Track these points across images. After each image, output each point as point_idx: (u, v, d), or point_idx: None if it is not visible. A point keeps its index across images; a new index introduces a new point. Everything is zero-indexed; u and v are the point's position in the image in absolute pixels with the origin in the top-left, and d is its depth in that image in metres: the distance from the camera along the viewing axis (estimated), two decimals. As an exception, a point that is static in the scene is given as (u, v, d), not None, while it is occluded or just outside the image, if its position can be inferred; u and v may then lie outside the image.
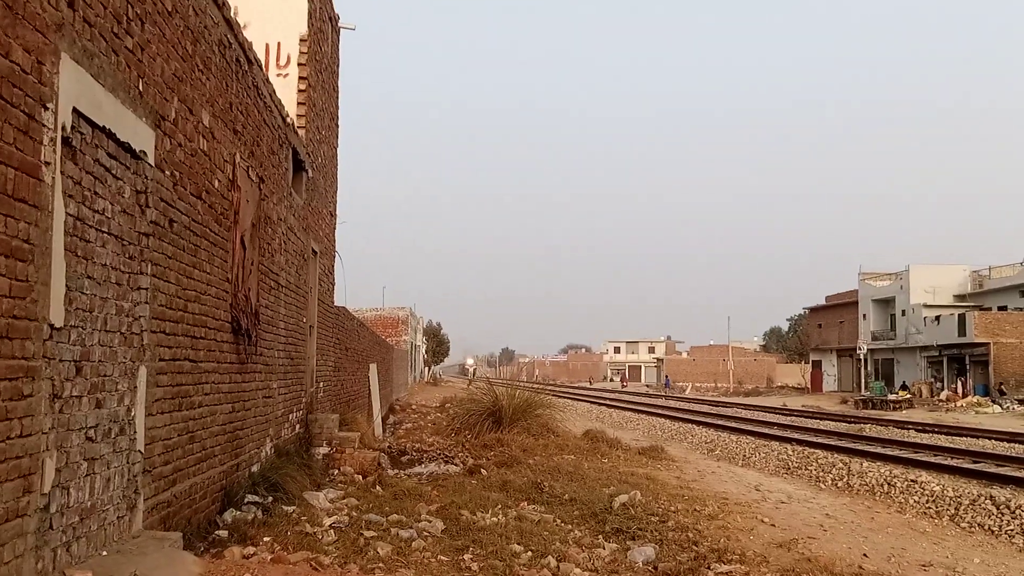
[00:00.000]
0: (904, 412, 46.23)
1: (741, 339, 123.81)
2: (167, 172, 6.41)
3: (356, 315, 25.27)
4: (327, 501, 9.45)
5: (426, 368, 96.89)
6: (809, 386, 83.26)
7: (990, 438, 27.86)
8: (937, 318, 63.50)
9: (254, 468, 9.60)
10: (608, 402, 51.82)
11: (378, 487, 10.89)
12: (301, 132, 13.51)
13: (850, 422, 35.67)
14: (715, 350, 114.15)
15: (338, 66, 18.96)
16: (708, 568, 7.74)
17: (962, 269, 69.28)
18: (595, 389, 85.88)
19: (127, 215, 5.71)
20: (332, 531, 7.93)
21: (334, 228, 17.78)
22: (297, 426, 12.60)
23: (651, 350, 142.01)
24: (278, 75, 14.24)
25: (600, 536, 8.95)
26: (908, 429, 31.92)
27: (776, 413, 42.81)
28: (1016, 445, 25.45)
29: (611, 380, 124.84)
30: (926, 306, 65.44)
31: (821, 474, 18.02)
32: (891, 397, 53.33)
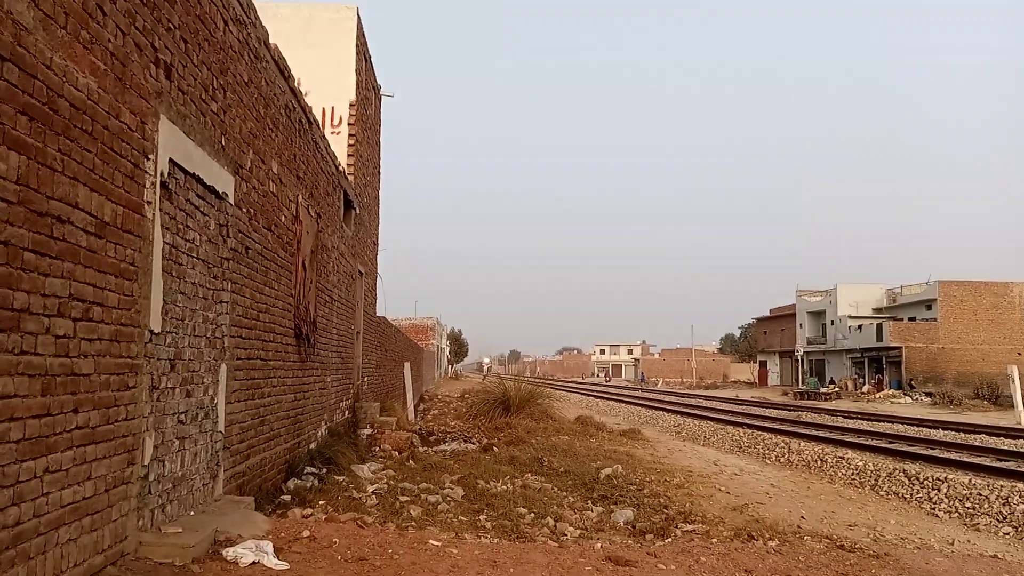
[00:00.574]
0: (833, 403, 45.95)
1: (702, 343, 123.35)
2: (244, 209, 6.44)
3: (393, 323, 25.25)
4: (370, 472, 9.43)
5: (449, 366, 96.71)
6: (757, 381, 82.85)
7: (902, 423, 27.66)
8: (860, 327, 63.23)
9: (312, 446, 9.59)
10: (595, 394, 51.61)
11: (411, 461, 10.86)
12: (351, 178, 13.56)
13: (790, 410, 35.46)
14: (681, 352, 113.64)
15: (380, 125, 19.06)
16: (676, 527, 7.68)
17: (879, 287, 69.00)
18: (585, 384, 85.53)
19: (212, 243, 5.74)
20: (374, 496, 7.90)
21: (376, 254, 17.81)
22: (346, 412, 12.58)
23: (630, 351, 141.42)
24: (332, 132, 14.32)
25: (589, 501, 8.89)
26: (837, 416, 31.71)
27: (730, 403, 42.61)
28: (923, 428, 25.28)
29: (597, 376, 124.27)
30: (851, 317, 65.18)
31: (767, 452, 17.89)
32: (823, 390, 53.05)
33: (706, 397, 50.57)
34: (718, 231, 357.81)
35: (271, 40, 7.35)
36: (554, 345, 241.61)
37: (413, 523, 6.84)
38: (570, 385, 72.41)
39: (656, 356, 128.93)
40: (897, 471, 13.60)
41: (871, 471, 14.02)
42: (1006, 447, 18.93)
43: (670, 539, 7.16)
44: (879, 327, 60.49)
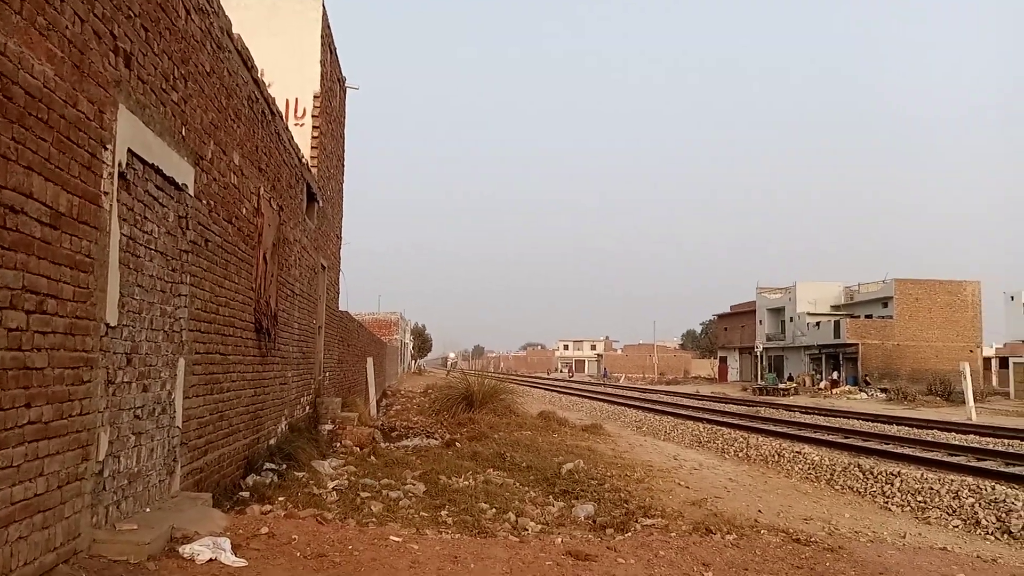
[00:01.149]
0: (791, 398, 46.71)
1: (664, 339, 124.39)
2: (204, 201, 6.35)
3: (356, 318, 25.08)
4: (331, 468, 9.37)
5: (412, 361, 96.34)
6: (717, 376, 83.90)
7: (858, 418, 28.23)
8: (818, 324, 64.34)
9: (271, 441, 9.50)
10: (558, 389, 51.84)
11: (372, 457, 10.81)
12: (314, 171, 13.43)
13: (749, 406, 35.99)
14: (643, 347, 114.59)
15: (344, 117, 18.89)
16: (636, 521, 7.77)
17: (837, 285, 70.27)
18: (549, 379, 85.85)
19: (171, 236, 5.65)
20: (335, 492, 7.86)
21: (340, 247, 17.67)
22: (307, 407, 12.47)
23: (593, 347, 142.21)
24: (296, 124, 14.17)
25: (551, 496, 8.94)
26: (794, 412, 32.24)
27: (691, 398, 43.10)
28: (878, 424, 25.81)
29: (561, 371, 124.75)
30: (809, 314, 66.30)
31: (726, 447, 18.14)
32: (781, 386, 53.88)
33: (667, 392, 51.08)
34: (681, 227, 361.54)
35: (234, 30, 7.24)
36: (518, 341, 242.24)
37: (374, 519, 6.82)
38: (534, 380, 72.60)
39: (619, 352, 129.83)
40: (852, 466, 13.89)
41: (827, 466, 14.30)
42: (957, 442, 19.43)
43: (630, 533, 7.23)
44: (837, 324, 61.64)
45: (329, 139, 15.88)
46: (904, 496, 11.72)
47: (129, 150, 4.74)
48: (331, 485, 8.19)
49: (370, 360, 21.35)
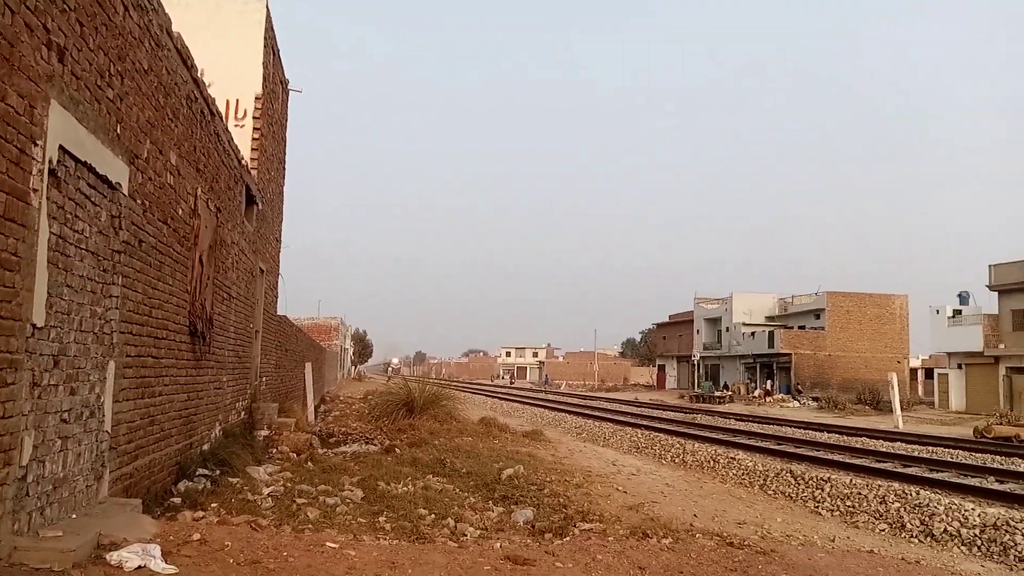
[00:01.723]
0: (727, 406, 47.65)
1: (604, 347, 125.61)
2: (138, 201, 6.20)
3: (295, 323, 24.70)
4: (266, 474, 9.20)
5: (353, 367, 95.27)
6: (656, 384, 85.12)
7: (791, 426, 28.98)
8: (753, 334, 65.83)
9: (205, 447, 9.29)
10: (500, 396, 51.90)
11: (309, 463, 10.66)
12: (254, 172, 13.21)
13: (686, 413, 36.60)
14: (584, 355, 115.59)
15: (287, 120, 18.65)
16: (575, 526, 7.82)
17: (772, 296, 72.05)
18: (491, 386, 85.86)
19: (103, 235, 5.50)
20: (270, 499, 7.72)
21: (279, 251, 17.41)
22: (243, 412, 12.24)
23: (535, 354, 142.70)
24: (236, 125, 13.94)
25: (490, 502, 8.95)
26: (730, 419, 32.92)
27: (630, 405, 43.62)
28: (809, 431, 26.54)
29: (503, 378, 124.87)
30: (744, 324, 67.81)
31: (663, 452, 18.42)
32: (717, 394, 54.93)
33: (607, 399, 51.60)
34: (622, 237, 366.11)
35: (174, 28, 7.10)
36: (460, 347, 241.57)
37: (310, 525, 6.73)
38: (476, 387, 72.52)
39: (560, 359, 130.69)
40: (784, 471, 14.24)
41: (760, 471, 14.63)
42: (884, 449, 20.11)
43: (568, 538, 7.29)
44: (771, 334, 63.18)
45: (270, 141, 15.65)
46: (834, 501, 12.07)
47: (61, 147, 4.61)
48: (266, 491, 8.05)
49: (308, 365, 21.05)
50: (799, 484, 13.28)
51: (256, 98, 14.43)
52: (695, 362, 71.64)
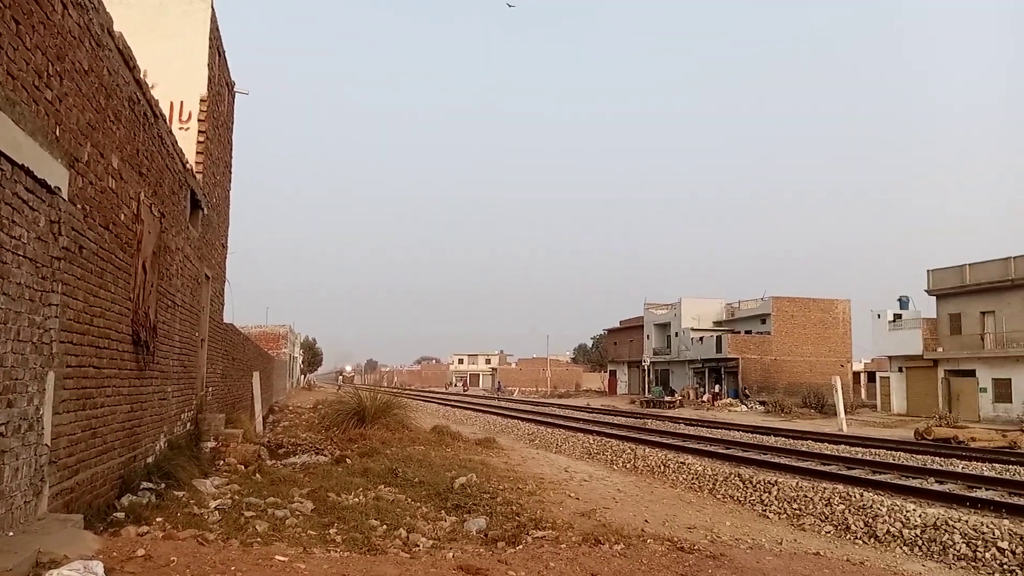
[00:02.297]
0: (676, 410, 48.24)
1: (557, 353, 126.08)
2: (79, 206, 6.02)
3: (242, 331, 24.25)
4: (213, 487, 9.00)
5: (302, 376, 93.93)
6: (607, 390, 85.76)
7: (739, 430, 29.45)
8: (701, 339, 66.81)
9: (149, 459, 9.05)
10: (453, 403, 51.71)
11: (258, 475, 10.46)
12: (199, 177, 12.95)
13: (637, 418, 36.93)
14: (537, 361, 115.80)
15: (233, 123, 18.34)
16: (527, 534, 7.83)
17: (720, 302, 73.25)
18: (444, 393, 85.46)
19: (41, 241, 5.32)
20: (217, 512, 7.55)
21: (225, 257, 17.09)
22: (188, 424, 11.96)
23: (488, 361, 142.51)
24: (181, 128, 13.66)
25: (443, 511, 8.90)
26: (679, 423, 33.33)
27: (582, 411, 43.86)
28: (757, 435, 27.01)
29: (456, 385, 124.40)
30: (693, 329, 68.81)
31: (615, 458, 18.55)
32: (667, 399, 55.56)
33: (559, 405, 51.81)
34: (571, 244, 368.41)
35: (116, 28, 6.93)
36: (412, 355, 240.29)
37: (259, 539, 6.60)
38: (428, 395, 72.15)
39: (513, 366, 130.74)
40: (733, 475, 14.46)
41: (709, 476, 14.84)
42: (829, 452, 20.57)
43: (521, 546, 7.28)
44: (719, 339, 64.22)
45: (216, 145, 15.37)
46: (781, 504, 12.29)
47: (-4, 149, 4.45)
48: (213, 504, 7.87)
49: (256, 375, 20.69)
50: (747, 488, 13.49)
51: (201, 100, 14.16)
52: (645, 367, 72.39)
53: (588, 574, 6.30)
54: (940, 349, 44.61)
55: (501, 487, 10.90)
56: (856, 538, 10.33)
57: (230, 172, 17.99)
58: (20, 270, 4.97)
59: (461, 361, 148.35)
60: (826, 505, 11.74)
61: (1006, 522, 10.26)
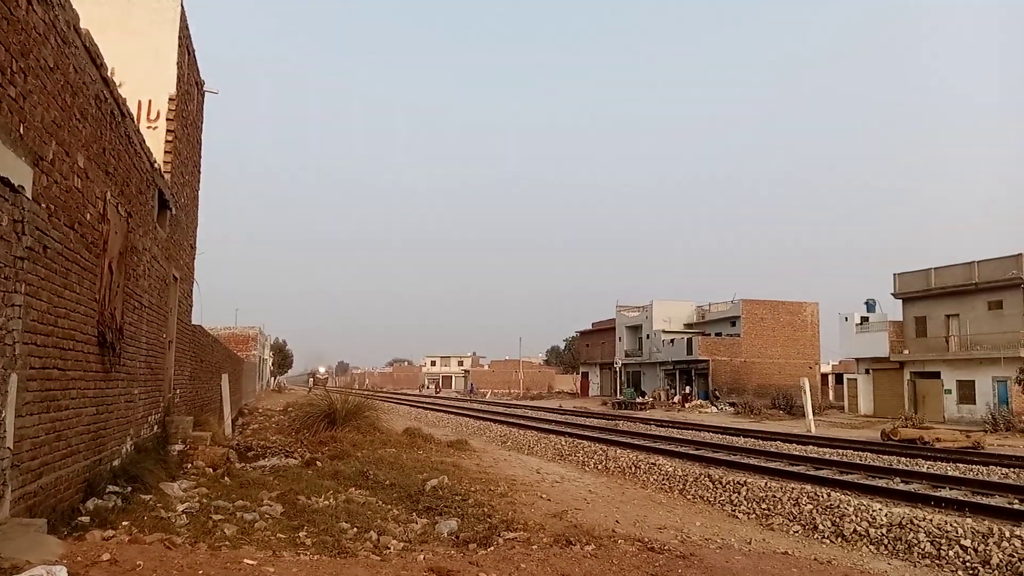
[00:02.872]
0: (648, 412, 48.53)
1: (529, 355, 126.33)
2: (43, 205, 5.92)
3: (211, 333, 23.98)
4: (181, 491, 8.90)
5: (272, 378, 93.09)
6: (579, 391, 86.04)
7: (709, 431, 29.71)
8: (672, 341, 67.31)
9: (116, 463, 8.92)
10: (425, 405, 51.55)
11: (226, 478, 10.35)
12: (167, 176, 12.79)
13: (608, 419, 37.10)
14: (509, 363, 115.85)
15: (202, 122, 18.15)
16: (499, 535, 7.83)
17: (690, 304, 73.87)
18: (416, 396, 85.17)
19: (4, 241, 5.22)
20: (184, 515, 7.46)
21: (193, 258, 16.89)
22: (156, 427, 11.80)
23: (460, 363, 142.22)
24: (149, 127, 13.48)
25: (414, 513, 8.88)
26: (650, 425, 33.54)
27: (554, 413, 43.96)
28: (727, 436, 27.26)
29: (428, 388, 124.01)
30: (664, 331, 69.30)
31: (586, 459, 18.62)
32: (638, 400, 55.89)
33: (532, 407, 51.87)
34: (544, 245, 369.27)
35: (83, 25, 6.83)
36: (384, 356, 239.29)
37: (227, 542, 6.53)
38: (400, 397, 71.87)
39: (485, 368, 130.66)
40: (703, 476, 14.59)
41: (680, 476, 14.95)
42: (798, 453, 20.82)
43: (492, 547, 7.28)
44: (689, 341, 64.74)
45: (184, 144, 15.20)
46: (750, 504, 12.42)
47: (-43, 147, 4.36)
48: (181, 508, 7.78)
49: (225, 377, 20.48)
50: (717, 488, 13.62)
51: (170, 99, 13.99)
52: (617, 369, 72.74)
53: (559, 575, 6.31)
54: (906, 351, 45.36)
55: (473, 489, 10.90)
56: (824, 537, 10.46)
57: (199, 172, 17.80)
58: (-18, 270, 4.88)
59: (433, 363, 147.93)
60: (794, 505, 11.89)
61: (969, 521, 10.45)
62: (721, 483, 13.82)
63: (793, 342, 65.02)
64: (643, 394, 61.92)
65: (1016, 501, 12.76)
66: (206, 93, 18.09)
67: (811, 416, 32.62)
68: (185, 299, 15.45)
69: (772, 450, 21.22)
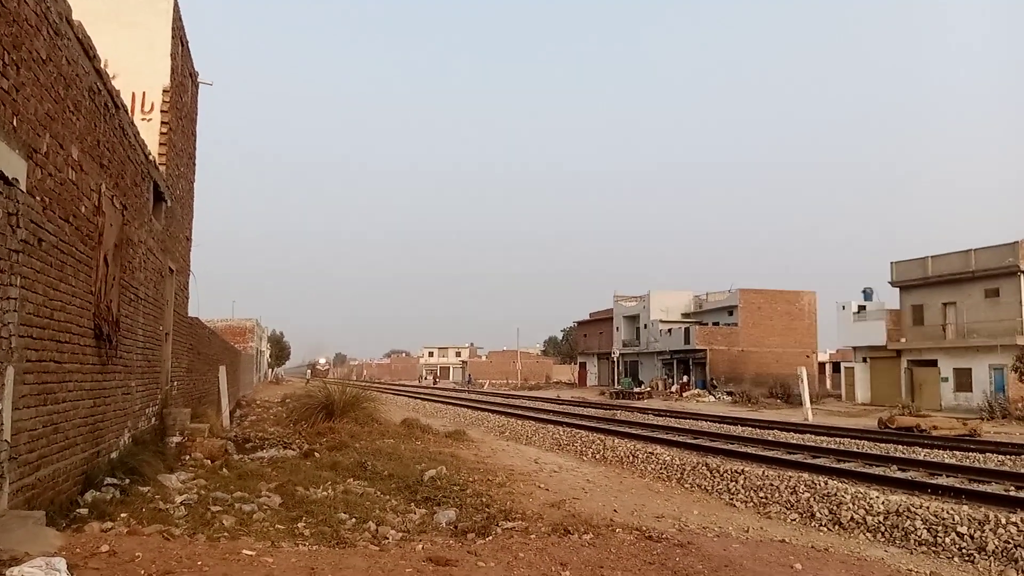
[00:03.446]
0: (645, 401, 48.66)
1: (527, 345, 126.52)
2: (37, 198, 5.91)
3: (208, 325, 23.97)
4: (179, 482, 8.92)
5: (270, 370, 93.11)
6: (577, 381, 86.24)
7: (706, 420, 29.77)
8: (670, 330, 67.40)
9: (113, 455, 8.93)
10: (423, 396, 51.61)
11: (225, 470, 10.37)
12: (162, 168, 12.76)
13: (606, 409, 37.17)
14: (507, 354, 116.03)
15: (196, 114, 18.10)
16: (497, 525, 7.86)
17: (688, 293, 73.94)
18: (414, 386, 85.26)
19: (-2, 234, 5.22)
20: (183, 507, 7.48)
21: (189, 250, 16.86)
22: (153, 419, 11.81)
23: (458, 354, 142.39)
24: (143, 119, 13.44)
25: (412, 504, 8.90)
26: (648, 414, 33.62)
27: (552, 403, 44.03)
28: (724, 425, 27.34)
29: (426, 379, 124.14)
30: (662, 321, 69.38)
31: (584, 449, 18.66)
32: (636, 390, 56.04)
33: (530, 398, 51.95)
34: (543, 236, 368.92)
35: (75, 16, 6.80)
36: (382, 348, 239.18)
37: (226, 533, 6.55)
38: (399, 388, 71.93)
39: (483, 358, 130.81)
40: (700, 465, 14.63)
41: (677, 465, 15.00)
42: (795, 441, 20.89)
43: (491, 537, 7.31)
44: (687, 331, 64.84)
45: (179, 136, 15.16)
46: (747, 492, 12.46)
47: (-50, 139, 4.35)
48: (179, 499, 7.80)
49: (223, 369, 20.48)
50: (715, 477, 13.67)
51: (164, 91, 13.94)
52: (615, 359, 72.87)
53: (557, 564, 6.34)
54: (903, 340, 45.46)
55: (471, 479, 10.92)
56: (821, 525, 10.51)
57: (194, 164, 17.76)
58: (-23, 263, 4.87)
59: (431, 354, 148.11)
60: (792, 493, 11.93)
61: (965, 508, 10.50)
62: (719, 472, 13.87)
63: (790, 331, 65.13)
64: (641, 384, 62.07)
65: (1012, 488, 12.82)
66: (200, 84, 18.03)
67: (808, 405, 32.71)
68: (181, 291, 15.43)
69: (769, 439, 21.29)
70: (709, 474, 13.91)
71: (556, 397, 52.83)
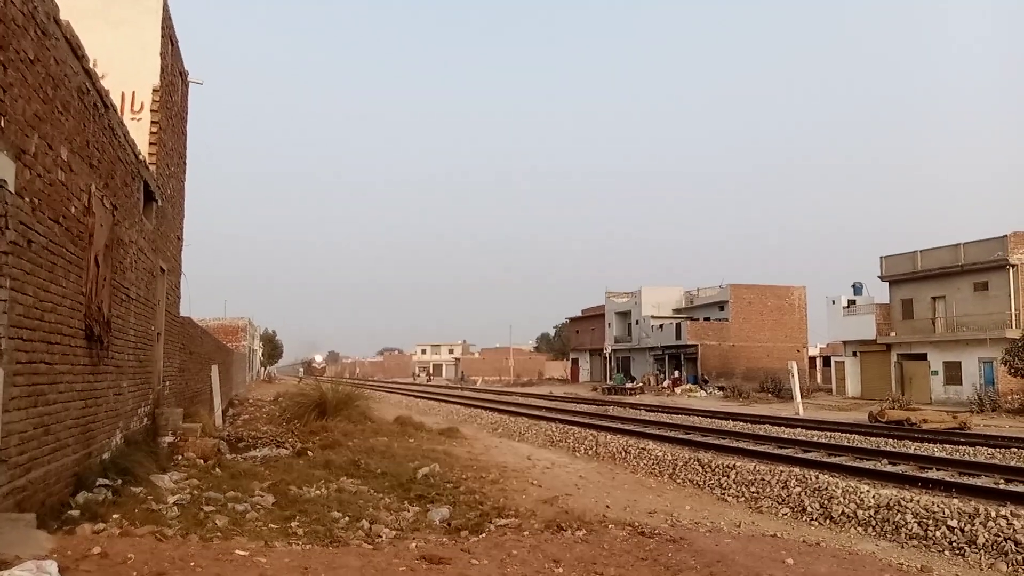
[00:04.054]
0: (638, 397, 48.72)
1: (519, 342, 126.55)
2: (26, 199, 5.86)
3: (200, 324, 23.90)
4: (171, 482, 8.87)
5: (262, 368, 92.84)
6: (570, 378, 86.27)
7: (698, 415, 29.85)
8: (661, 326, 67.54)
9: (105, 456, 8.88)
10: (416, 393, 51.56)
11: (217, 469, 10.33)
12: (152, 168, 12.70)
13: (599, 405, 37.22)
14: (500, 351, 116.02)
15: (187, 113, 18.02)
16: (490, 522, 7.86)
17: (679, 289, 74.11)
18: (407, 384, 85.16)
19: (-13, 235, 5.18)
20: (176, 507, 7.45)
21: (181, 250, 16.80)
22: (145, 419, 11.76)
23: (451, 351, 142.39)
24: (133, 119, 13.36)
25: (406, 502, 8.90)
26: (640, 410, 33.67)
27: (545, 399, 44.06)
28: (716, 420, 27.41)
29: (419, 376, 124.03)
30: (653, 317, 69.53)
31: (577, 445, 18.68)
32: (628, 385, 56.11)
33: (522, 394, 51.98)
34: (535, 234, 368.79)
35: (63, 16, 6.74)
36: (375, 345, 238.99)
37: (219, 533, 6.53)
38: (392, 386, 71.85)
39: (476, 355, 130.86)
40: (692, 460, 14.66)
41: (669, 461, 15.03)
42: (786, 435, 20.95)
43: (484, 534, 7.32)
44: (678, 326, 65.02)
45: (169, 135, 15.09)
46: (739, 487, 12.50)
47: (-63, 141, 4.31)
48: (172, 500, 7.76)
49: (215, 368, 20.40)
50: (706, 472, 13.70)
51: (154, 90, 13.87)
52: (607, 355, 72.99)
53: (551, 561, 6.35)
54: (893, 334, 45.67)
55: (464, 476, 10.92)
56: (812, 519, 10.55)
57: (184, 163, 17.68)
58: (-35, 265, 4.83)
59: (424, 351, 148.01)
60: (783, 488, 11.97)
61: (955, 501, 10.55)
62: (710, 467, 13.90)
63: (781, 326, 65.36)
64: (633, 379, 62.16)
65: (1002, 481, 12.89)
66: (191, 84, 17.95)
67: (799, 399, 32.83)
68: (173, 291, 15.37)
69: (761, 433, 21.35)
70: (701, 469, 13.94)
71: (549, 393, 52.85)
